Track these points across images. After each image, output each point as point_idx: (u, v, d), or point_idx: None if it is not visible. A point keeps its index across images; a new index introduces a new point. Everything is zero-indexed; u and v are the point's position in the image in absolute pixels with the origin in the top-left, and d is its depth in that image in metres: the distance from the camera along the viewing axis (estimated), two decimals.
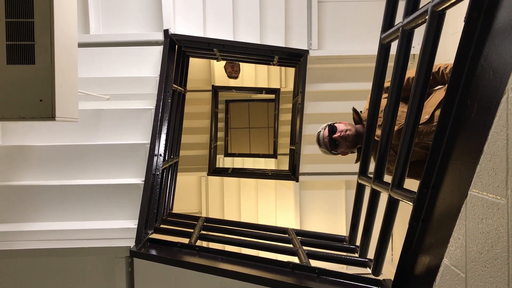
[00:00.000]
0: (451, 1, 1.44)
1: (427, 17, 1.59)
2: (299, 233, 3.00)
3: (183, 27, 3.87)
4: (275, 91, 7.58)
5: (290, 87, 6.81)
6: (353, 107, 2.50)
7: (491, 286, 1.15)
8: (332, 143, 2.41)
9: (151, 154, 2.92)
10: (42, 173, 2.89)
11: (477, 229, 1.23)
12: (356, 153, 2.53)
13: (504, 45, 1.16)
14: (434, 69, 2.14)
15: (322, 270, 2.17)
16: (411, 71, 1.98)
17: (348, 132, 2.39)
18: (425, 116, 2.11)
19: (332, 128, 2.42)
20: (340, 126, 2.42)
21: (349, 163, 2.79)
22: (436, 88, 2.29)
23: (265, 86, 7.59)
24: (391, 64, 2.02)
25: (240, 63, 4.13)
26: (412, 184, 1.87)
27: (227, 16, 4.04)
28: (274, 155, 8.42)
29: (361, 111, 2.51)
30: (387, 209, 1.92)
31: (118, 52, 3.50)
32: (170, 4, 3.64)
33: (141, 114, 3.11)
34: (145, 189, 2.74)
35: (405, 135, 1.74)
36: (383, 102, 2.27)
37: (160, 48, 3.48)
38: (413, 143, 1.74)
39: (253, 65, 7.20)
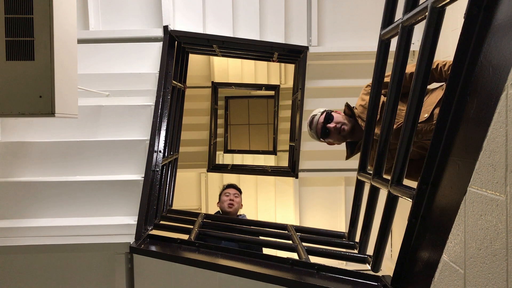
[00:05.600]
0: None
1: (427, 13, 1.59)
2: (298, 229, 3.00)
3: (182, 24, 3.86)
4: (275, 88, 7.59)
5: (290, 83, 6.82)
6: (347, 103, 2.48)
7: (490, 282, 1.15)
8: (324, 132, 2.37)
9: (151, 150, 2.92)
10: (42, 169, 2.89)
11: (476, 225, 1.23)
12: (346, 149, 2.52)
13: (504, 41, 1.15)
14: (432, 65, 2.14)
15: (321, 266, 2.18)
16: (408, 67, 1.97)
17: (344, 126, 2.36)
18: (424, 115, 2.11)
19: (328, 116, 2.38)
20: (337, 117, 2.39)
21: (349, 159, 2.79)
22: (432, 87, 2.29)
23: (265, 82, 7.59)
24: (390, 60, 2.02)
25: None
26: (411, 181, 1.88)
27: (227, 12, 4.03)
28: (273, 152, 8.43)
29: (354, 107, 2.49)
30: (386, 206, 1.92)
31: (117, 48, 3.49)
32: (170, 0, 3.63)
33: (141, 111, 3.11)
34: (144, 185, 2.75)
35: (405, 131, 1.74)
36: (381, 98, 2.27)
37: (159, 45, 3.47)
38: (413, 139, 1.74)
39: (252, 61, 7.19)
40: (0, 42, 2.12)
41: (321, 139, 2.43)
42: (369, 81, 2.34)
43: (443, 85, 2.24)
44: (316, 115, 2.44)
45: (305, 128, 4.71)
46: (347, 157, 2.53)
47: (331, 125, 2.36)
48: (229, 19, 4.03)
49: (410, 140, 1.74)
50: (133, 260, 2.40)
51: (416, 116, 1.71)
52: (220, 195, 3.96)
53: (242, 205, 3.91)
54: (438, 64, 2.15)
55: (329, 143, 2.47)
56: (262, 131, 9.13)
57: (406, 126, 1.73)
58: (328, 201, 5.35)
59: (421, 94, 1.68)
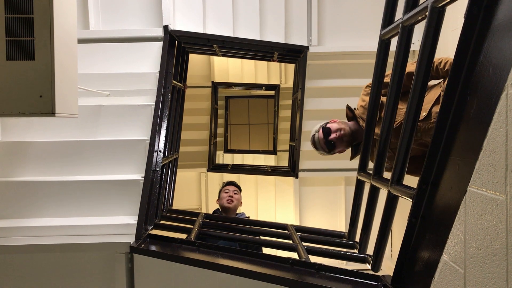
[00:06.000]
0: None
1: (427, 13, 1.59)
2: (298, 229, 3.01)
3: (182, 23, 3.86)
4: (275, 87, 7.58)
5: (290, 83, 6.81)
6: (347, 105, 2.51)
7: (490, 281, 1.16)
8: (329, 145, 2.42)
9: (151, 150, 2.92)
10: (42, 169, 2.89)
11: (476, 225, 1.23)
12: (350, 150, 2.53)
13: (504, 41, 1.15)
14: None
15: (321, 266, 2.18)
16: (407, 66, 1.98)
17: (342, 132, 2.40)
18: (422, 113, 2.11)
19: (326, 130, 2.42)
20: (333, 126, 2.42)
21: (349, 159, 2.79)
22: (430, 84, 2.29)
23: (265, 82, 7.58)
24: (391, 60, 2.02)
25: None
26: (412, 181, 1.88)
27: (227, 12, 4.03)
28: (273, 152, 8.42)
29: (354, 108, 2.51)
30: (386, 205, 1.92)
31: (117, 48, 3.49)
32: (170, 0, 3.63)
33: (141, 110, 3.11)
34: (145, 185, 2.75)
35: (405, 131, 1.74)
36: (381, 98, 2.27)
37: (159, 44, 3.47)
38: (413, 139, 1.74)
39: (252, 61, 7.19)
40: (1, 42, 2.12)
41: (332, 153, 2.48)
42: (369, 80, 2.35)
43: (440, 82, 2.24)
44: (314, 135, 2.48)
45: (305, 127, 4.73)
46: (352, 158, 2.55)
47: (332, 136, 2.40)
48: (229, 19, 4.03)
49: (410, 140, 1.74)
50: (133, 260, 2.39)
51: (416, 117, 1.71)
52: (219, 192, 3.96)
53: (241, 203, 3.91)
54: (433, 63, 2.15)
55: (340, 152, 2.51)
56: (262, 131, 9.12)
57: (406, 126, 1.73)
58: (328, 201, 5.35)
59: (421, 94, 1.68)
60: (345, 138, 2.40)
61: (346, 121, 2.52)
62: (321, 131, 2.44)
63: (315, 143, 2.48)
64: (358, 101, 2.49)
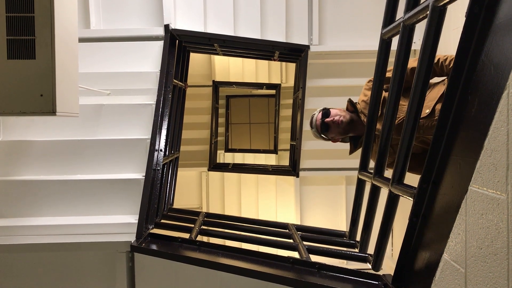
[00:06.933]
0: None
1: (428, 12, 1.58)
2: (299, 228, 3.01)
3: (183, 22, 3.86)
4: (276, 87, 7.57)
5: (291, 82, 6.80)
6: (350, 99, 2.52)
7: (491, 281, 1.15)
8: (323, 127, 2.44)
9: (152, 149, 2.92)
10: (43, 168, 2.89)
11: (477, 224, 1.23)
12: (350, 144, 2.54)
13: (505, 40, 1.15)
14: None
15: (322, 265, 2.18)
16: (409, 61, 1.97)
17: (341, 118, 2.41)
18: (425, 110, 2.11)
19: (326, 112, 2.45)
20: (334, 111, 2.45)
21: (350, 158, 2.79)
22: (434, 81, 2.29)
23: (266, 81, 7.58)
24: (392, 59, 2.01)
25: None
26: (412, 180, 1.88)
27: (228, 11, 4.03)
28: (274, 151, 8.41)
29: (356, 103, 2.52)
30: (387, 205, 1.92)
31: (118, 47, 3.49)
32: None
33: (142, 109, 3.11)
34: (145, 184, 2.75)
35: (406, 130, 1.73)
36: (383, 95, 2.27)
37: (160, 43, 3.47)
38: (414, 137, 1.74)
39: (253, 60, 7.19)
40: (1, 41, 2.12)
41: (323, 136, 2.48)
42: (370, 77, 2.35)
43: (444, 79, 2.24)
44: (315, 114, 2.53)
45: (306, 127, 4.72)
46: (351, 152, 2.56)
47: (329, 119, 2.42)
48: (230, 18, 4.03)
49: (411, 140, 1.74)
50: (134, 259, 2.40)
51: (417, 116, 1.71)
52: None
53: None
54: (439, 59, 2.15)
55: (333, 140, 2.51)
56: (263, 130, 9.11)
57: (407, 127, 1.73)
58: (329, 200, 5.35)
59: (422, 94, 1.68)
60: (341, 125, 2.42)
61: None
62: (321, 112, 2.48)
63: (311, 122, 2.52)
64: (360, 95, 2.50)
